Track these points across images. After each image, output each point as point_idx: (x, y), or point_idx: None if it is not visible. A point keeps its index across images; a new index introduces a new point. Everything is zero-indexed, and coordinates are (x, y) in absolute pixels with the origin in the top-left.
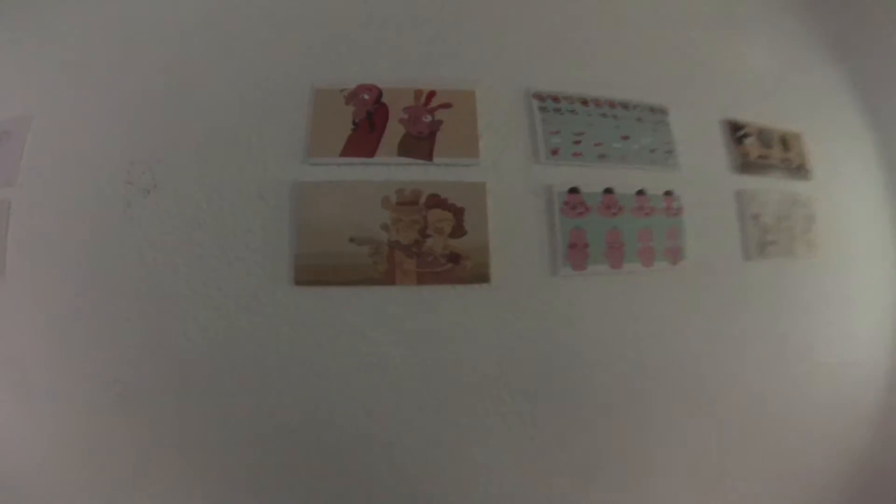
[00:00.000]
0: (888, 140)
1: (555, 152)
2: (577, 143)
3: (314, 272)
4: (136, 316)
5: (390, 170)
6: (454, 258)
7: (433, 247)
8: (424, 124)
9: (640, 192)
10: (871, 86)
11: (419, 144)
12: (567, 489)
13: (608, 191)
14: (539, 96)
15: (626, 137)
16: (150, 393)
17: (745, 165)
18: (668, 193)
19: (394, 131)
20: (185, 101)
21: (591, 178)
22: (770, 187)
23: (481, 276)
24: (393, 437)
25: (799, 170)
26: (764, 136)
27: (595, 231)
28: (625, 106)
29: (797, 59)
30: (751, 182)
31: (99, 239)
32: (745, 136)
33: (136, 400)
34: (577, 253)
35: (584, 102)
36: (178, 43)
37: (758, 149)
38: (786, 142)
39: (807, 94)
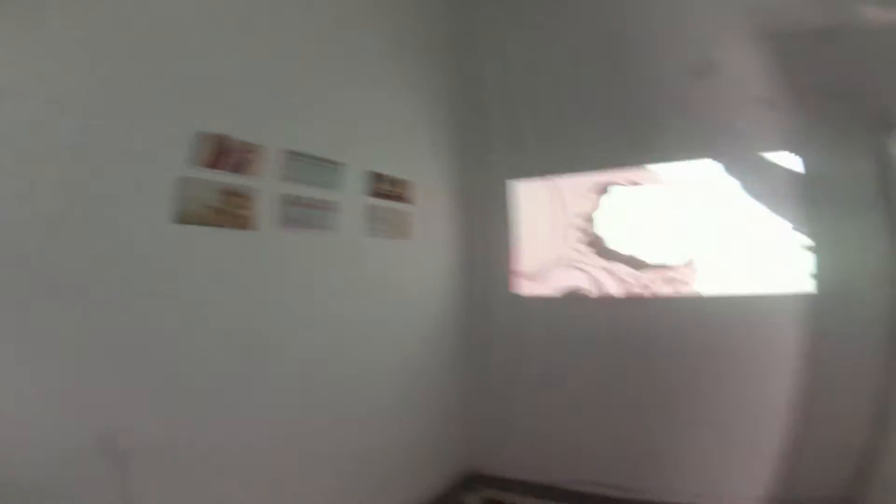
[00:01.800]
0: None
1: (285, 178)
2: (297, 175)
3: (184, 217)
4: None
5: (225, 176)
6: (244, 217)
7: (233, 211)
8: (239, 159)
9: (323, 199)
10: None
11: (239, 168)
12: None
13: (310, 198)
14: (287, 151)
15: (321, 175)
16: None
17: (376, 193)
18: (335, 202)
19: (229, 160)
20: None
21: (302, 191)
22: (385, 205)
23: (254, 227)
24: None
25: (404, 198)
26: (387, 179)
27: (300, 214)
28: (322, 160)
29: (417, 134)
30: (376, 202)
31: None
32: (382, 179)
33: None
34: (291, 222)
35: (307, 156)
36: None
37: (387, 186)
38: (401, 184)
39: (419, 156)
